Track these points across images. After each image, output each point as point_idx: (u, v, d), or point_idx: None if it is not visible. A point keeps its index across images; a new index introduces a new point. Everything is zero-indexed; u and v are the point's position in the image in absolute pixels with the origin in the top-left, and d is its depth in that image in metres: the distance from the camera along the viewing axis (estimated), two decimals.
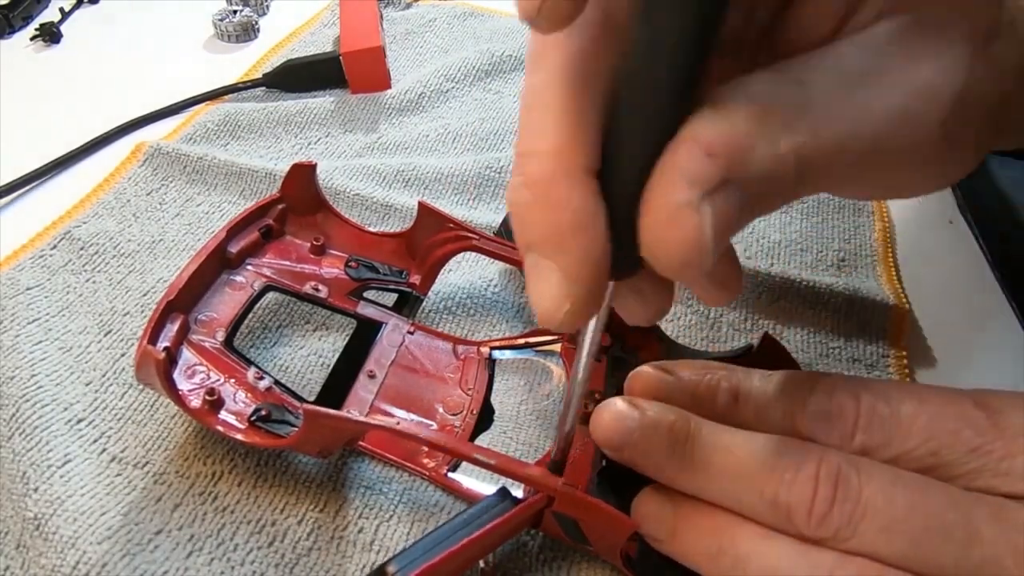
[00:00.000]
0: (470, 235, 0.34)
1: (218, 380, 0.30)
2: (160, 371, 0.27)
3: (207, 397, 0.28)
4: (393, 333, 0.35)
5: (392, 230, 0.38)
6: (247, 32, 0.58)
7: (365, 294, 0.36)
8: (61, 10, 0.60)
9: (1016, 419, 0.20)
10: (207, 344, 0.31)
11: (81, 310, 0.36)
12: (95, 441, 0.30)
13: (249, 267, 0.34)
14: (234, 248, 0.34)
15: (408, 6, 0.63)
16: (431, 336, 0.36)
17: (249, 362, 0.32)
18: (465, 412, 0.33)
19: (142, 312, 0.36)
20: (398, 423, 0.27)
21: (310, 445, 0.28)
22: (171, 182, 0.44)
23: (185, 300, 0.31)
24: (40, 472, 0.29)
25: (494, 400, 0.34)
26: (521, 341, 0.36)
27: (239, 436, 0.28)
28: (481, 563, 0.27)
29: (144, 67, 0.55)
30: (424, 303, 0.37)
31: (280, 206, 0.36)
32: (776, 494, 0.21)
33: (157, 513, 0.28)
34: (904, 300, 0.39)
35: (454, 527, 0.26)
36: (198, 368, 0.30)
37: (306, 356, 0.34)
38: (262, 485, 0.29)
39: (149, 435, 0.31)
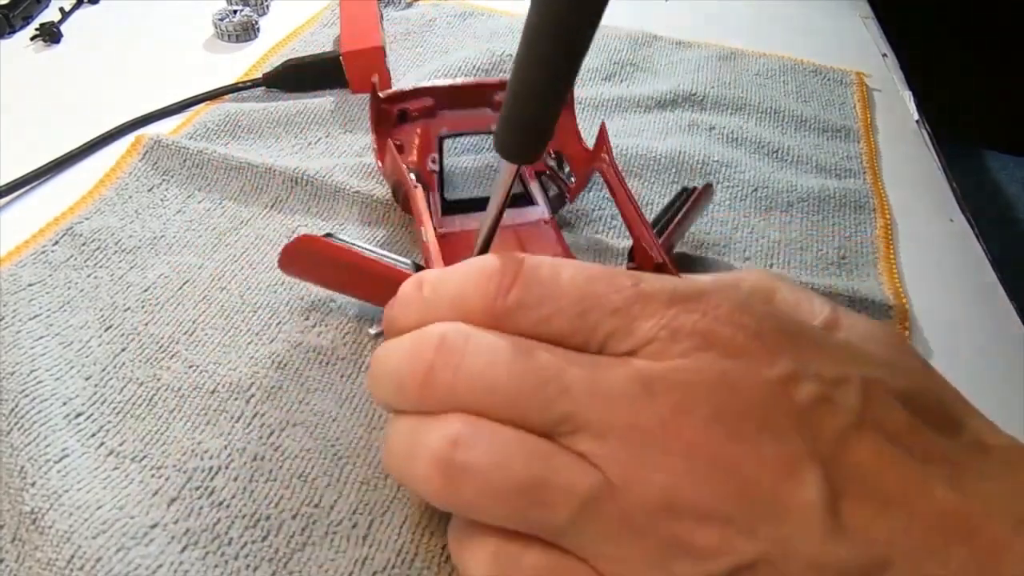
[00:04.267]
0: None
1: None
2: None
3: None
4: (533, 212, 0.39)
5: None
6: (247, 32, 0.59)
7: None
8: (61, 10, 0.60)
9: (656, 285, 0.22)
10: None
11: (82, 305, 0.36)
12: (93, 435, 0.30)
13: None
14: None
15: (408, 6, 0.63)
16: (556, 240, 0.38)
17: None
18: None
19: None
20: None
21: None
22: (172, 178, 0.44)
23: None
24: (38, 467, 0.29)
25: None
26: None
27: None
28: None
29: (144, 67, 0.56)
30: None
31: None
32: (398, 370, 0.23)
33: (153, 507, 0.28)
34: (904, 299, 0.39)
35: None
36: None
37: None
38: (258, 479, 0.29)
39: (147, 429, 0.31)
